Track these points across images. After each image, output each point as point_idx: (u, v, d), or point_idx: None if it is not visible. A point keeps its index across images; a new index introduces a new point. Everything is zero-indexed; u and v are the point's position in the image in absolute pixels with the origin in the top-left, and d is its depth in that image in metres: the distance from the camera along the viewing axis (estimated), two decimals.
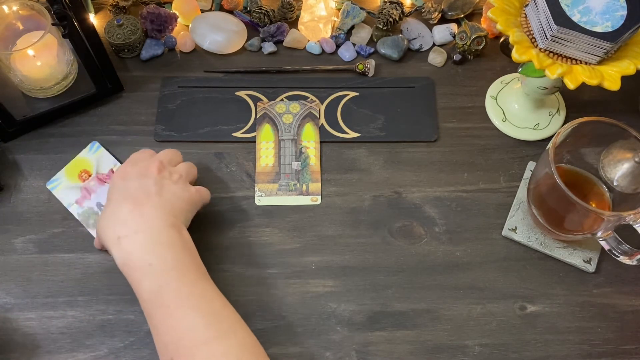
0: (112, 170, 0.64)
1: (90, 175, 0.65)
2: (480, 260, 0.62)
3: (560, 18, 0.56)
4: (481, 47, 0.73)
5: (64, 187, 0.65)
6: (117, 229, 0.52)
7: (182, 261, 0.51)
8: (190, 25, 0.75)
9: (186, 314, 0.48)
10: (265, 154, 0.68)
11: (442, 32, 0.75)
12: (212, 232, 0.63)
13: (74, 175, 0.65)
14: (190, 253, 0.53)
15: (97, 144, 0.66)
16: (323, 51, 0.75)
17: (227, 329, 0.49)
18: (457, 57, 0.74)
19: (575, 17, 0.56)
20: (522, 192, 0.65)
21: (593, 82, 0.56)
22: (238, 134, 0.69)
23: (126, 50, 0.73)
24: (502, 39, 0.76)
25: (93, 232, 0.62)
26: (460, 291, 0.60)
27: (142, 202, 0.53)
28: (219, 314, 0.49)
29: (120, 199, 0.54)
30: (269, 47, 0.75)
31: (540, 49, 0.59)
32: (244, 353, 0.48)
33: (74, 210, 0.63)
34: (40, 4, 0.66)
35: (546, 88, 0.64)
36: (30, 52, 0.65)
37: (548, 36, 0.57)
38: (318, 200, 0.65)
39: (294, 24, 0.77)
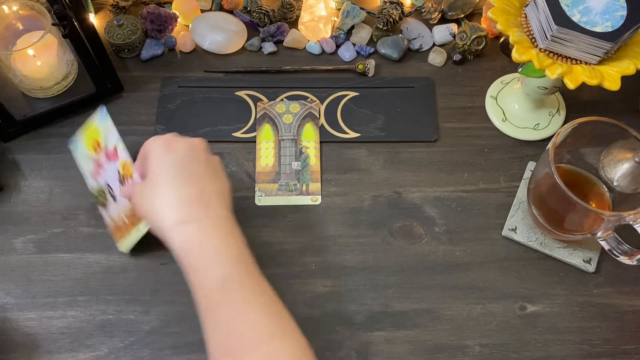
0: (115, 149, 0.58)
1: (100, 148, 0.60)
2: (480, 260, 0.62)
3: (560, 18, 0.56)
4: (481, 47, 0.73)
5: (81, 153, 0.61)
6: (180, 212, 0.48)
7: (246, 254, 0.49)
8: (190, 25, 0.75)
9: (251, 309, 0.46)
10: (265, 154, 0.68)
11: (442, 32, 0.75)
12: None
13: (89, 143, 0.61)
14: (247, 246, 0.50)
15: (105, 110, 0.60)
16: (323, 51, 0.75)
17: (287, 329, 0.47)
18: (457, 57, 0.74)
19: (575, 17, 0.56)
20: (522, 192, 0.65)
21: (593, 82, 0.56)
22: (238, 134, 0.69)
23: (126, 50, 0.73)
24: (502, 39, 0.76)
25: (103, 211, 0.59)
26: (460, 291, 0.60)
27: (203, 185, 0.50)
28: (280, 314, 0.47)
29: (175, 176, 0.50)
30: (269, 47, 0.75)
31: (540, 49, 0.59)
32: (303, 354, 0.46)
33: (90, 184, 0.60)
34: (40, 4, 0.66)
35: (546, 88, 0.64)
36: (30, 52, 0.65)
37: (548, 36, 0.57)
38: (318, 200, 0.65)
39: (294, 24, 0.77)
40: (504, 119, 0.70)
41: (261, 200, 0.65)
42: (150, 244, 0.62)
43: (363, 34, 0.76)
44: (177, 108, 0.70)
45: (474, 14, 0.78)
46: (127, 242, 0.59)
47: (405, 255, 0.62)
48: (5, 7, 0.66)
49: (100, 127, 0.60)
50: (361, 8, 0.76)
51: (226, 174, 0.55)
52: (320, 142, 0.69)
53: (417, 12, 0.77)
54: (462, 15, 0.77)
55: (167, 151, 0.51)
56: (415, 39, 0.76)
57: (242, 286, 0.47)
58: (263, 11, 0.75)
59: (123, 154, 0.58)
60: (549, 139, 0.68)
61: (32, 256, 0.61)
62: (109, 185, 0.59)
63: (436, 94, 0.72)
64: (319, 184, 0.66)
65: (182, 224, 0.48)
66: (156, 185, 0.50)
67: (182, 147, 0.52)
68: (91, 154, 0.60)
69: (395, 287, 0.60)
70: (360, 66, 0.73)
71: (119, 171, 0.58)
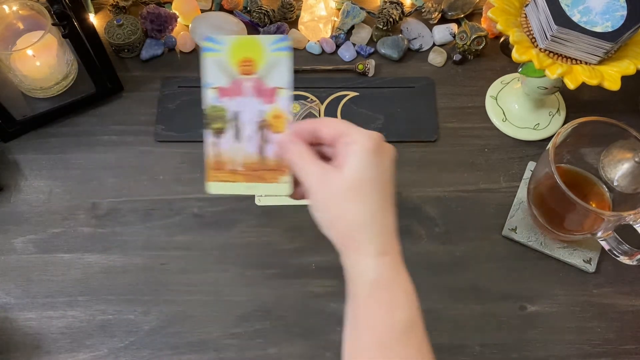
0: (275, 90, 0.46)
1: (251, 71, 0.47)
2: (480, 260, 0.62)
3: (560, 18, 0.56)
4: (481, 47, 0.73)
5: (218, 61, 0.47)
6: (381, 243, 0.42)
7: (415, 296, 0.43)
8: (190, 25, 0.75)
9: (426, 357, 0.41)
10: None
11: (442, 32, 0.75)
12: (212, 232, 0.63)
13: (237, 55, 0.47)
14: None
15: (287, 42, 0.45)
16: (323, 51, 0.75)
17: None
18: (457, 57, 0.74)
19: (575, 17, 0.56)
20: (522, 192, 0.65)
21: (593, 82, 0.56)
22: None
23: (126, 50, 0.73)
24: (502, 39, 0.76)
25: (210, 136, 0.47)
26: (460, 291, 0.60)
27: (394, 213, 0.43)
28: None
29: (380, 196, 0.42)
30: None
31: (540, 49, 0.59)
32: None
33: (209, 98, 0.47)
34: (40, 4, 0.66)
35: (546, 88, 0.64)
36: (30, 52, 0.65)
37: (548, 36, 0.57)
38: None
39: (294, 24, 0.77)
40: (504, 119, 0.70)
41: (261, 200, 0.65)
42: (151, 244, 0.62)
43: (363, 34, 0.76)
44: (177, 108, 0.70)
45: (474, 14, 0.78)
46: (223, 188, 0.48)
47: (405, 255, 0.62)
48: (5, 7, 0.66)
49: (267, 51, 0.46)
50: (361, 8, 0.76)
51: None
52: None
53: (417, 12, 0.77)
54: (462, 15, 0.77)
55: (380, 157, 0.42)
56: (415, 39, 0.76)
57: (423, 333, 0.42)
58: (263, 11, 0.75)
59: (284, 104, 0.46)
60: (549, 139, 0.68)
61: (32, 256, 0.61)
62: (236, 116, 0.47)
63: (436, 94, 0.72)
64: None
65: (381, 255, 0.42)
66: (361, 196, 0.42)
67: (388, 157, 0.43)
68: (233, 70, 0.47)
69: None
70: (360, 66, 0.73)
71: (264, 115, 0.46)
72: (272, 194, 0.49)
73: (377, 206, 0.42)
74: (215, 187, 0.48)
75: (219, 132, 0.47)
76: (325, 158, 0.44)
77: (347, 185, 0.42)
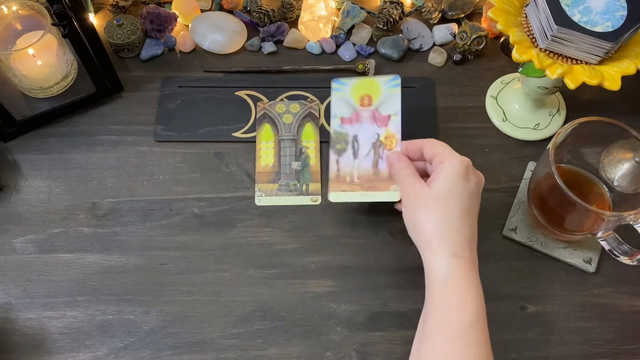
0: (390, 117, 0.59)
1: (370, 104, 0.60)
2: (480, 260, 0.62)
3: (561, 18, 0.56)
4: (481, 47, 0.73)
5: (342, 97, 0.61)
6: (454, 245, 0.49)
7: (483, 300, 0.49)
8: (190, 25, 0.75)
9: (476, 344, 0.47)
10: (265, 154, 0.68)
11: (442, 32, 0.75)
12: (212, 232, 0.63)
13: (357, 92, 0.61)
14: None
15: (399, 80, 0.60)
16: (323, 51, 0.75)
17: None
18: (457, 57, 0.74)
19: (576, 17, 0.56)
20: (522, 192, 0.65)
21: (593, 82, 0.56)
22: (238, 134, 0.69)
23: (126, 50, 0.73)
24: (502, 39, 0.76)
25: (333, 155, 0.60)
26: None
27: (472, 229, 0.51)
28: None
29: (467, 209, 0.51)
30: (269, 47, 0.75)
31: (540, 49, 0.59)
32: None
33: (334, 125, 0.60)
34: (40, 4, 0.66)
35: (546, 88, 0.64)
36: (30, 51, 0.65)
37: (548, 36, 0.57)
38: (318, 200, 0.65)
39: (294, 23, 0.77)
40: (504, 119, 0.70)
41: (261, 200, 0.65)
42: (151, 244, 0.62)
43: (363, 34, 0.76)
44: (177, 108, 0.70)
45: (474, 14, 0.78)
46: (341, 196, 0.59)
47: (405, 255, 0.62)
48: (4, 7, 0.66)
49: (383, 88, 0.60)
50: (361, 8, 0.76)
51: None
52: (320, 142, 0.69)
53: (417, 12, 0.77)
54: (462, 15, 0.77)
55: (466, 179, 0.51)
56: (415, 38, 0.76)
57: (484, 333, 0.48)
58: (263, 11, 0.75)
59: (395, 127, 0.59)
60: (549, 139, 0.68)
61: (31, 256, 0.61)
62: (355, 139, 0.60)
63: (436, 94, 0.72)
64: (319, 184, 0.66)
65: (452, 257, 0.49)
66: (442, 207, 0.51)
67: (475, 182, 0.52)
68: (355, 104, 0.60)
69: (395, 287, 0.60)
70: (360, 66, 0.73)
71: (378, 136, 0.59)
72: (383, 200, 0.58)
73: (454, 218, 0.50)
74: (335, 196, 0.59)
75: (341, 151, 0.60)
76: (428, 175, 0.55)
77: (432, 197, 0.51)
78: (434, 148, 0.54)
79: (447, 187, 0.51)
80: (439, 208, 0.51)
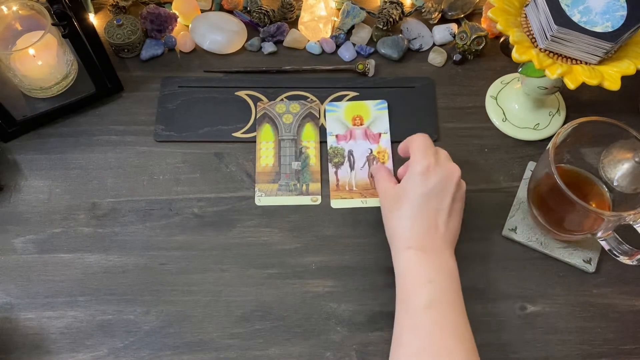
0: (380, 135, 0.68)
1: (362, 124, 0.69)
2: (480, 260, 0.62)
3: (560, 18, 0.56)
4: (481, 47, 0.73)
5: (336, 118, 0.69)
6: (410, 239, 0.55)
7: (455, 290, 0.53)
8: (190, 25, 0.75)
9: (449, 338, 0.50)
10: (265, 154, 0.68)
11: (442, 32, 0.75)
12: (212, 232, 0.63)
13: (349, 114, 0.70)
14: (459, 284, 0.54)
15: (385, 104, 0.70)
16: (323, 51, 0.75)
17: None
18: (457, 57, 0.74)
19: (575, 17, 0.56)
20: (522, 192, 0.65)
21: (593, 82, 0.56)
22: (238, 134, 0.69)
23: (126, 50, 0.73)
24: (502, 39, 0.76)
25: (332, 168, 0.67)
26: None
27: (436, 224, 0.55)
28: (474, 354, 0.50)
29: (419, 207, 0.55)
30: (269, 47, 0.75)
31: (540, 49, 0.59)
32: None
33: (330, 141, 0.68)
34: (40, 4, 0.66)
35: (546, 88, 0.64)
36: (30, 52, 0.65)
37: (548, 36, 0.57)
38: (318, 200, 0.65)
39: (294, 24, 0.77)
40: (504, 119, 0.70)
41: (261, 200, 0.65)
42: (151, 244, 0.62)
43: (363, 34, 0.76)
44: (177, 108, 0.70)
45: (474, 14, 0.78)
46: (342, 203, 0.65)
47: None
48: (4, 8, 0.66)
49: (372, 111, 0.70)
50: (361, 8, 0.76)
51: (461, 212, 0.58)
52: (320, 142, 0.69)
53: (417, 12, 0.77)
54: (462, 15, 0.77)
55: (424, 179, 0.56)
56: (415, 39, 0.76)
57: (444, 316, 0.51)
58: (263, 11, 0.75)
59: (385, 143, 0.68)
60: (549, 139, 0.68)
61: (32, 256, 0.61)
62: (351, 153, 0.67)
63: (436, 94, 0.72)
64: (319, 184, 0.66)
65: (409, 249, 0.54)
66: (402, 206, 0.56)
67: (436, 180, 0.56)
68: (348, 123, 0.69)
69: (395, 287, 0.60)
70: (360, 66, 0.73)
71: (371, 151, 0.68)
72: (380, 204, 0.62)
73: (414, 217, 0.55)
74: (336, 203, 0.65)
75: (338, 164, 0.67)
76: None
77: (392, 197, 0.57)
78: (410, 148, 0.59)
79: (404, 187, 0.57)
80: (398, 206, 0.56)
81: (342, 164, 0.67)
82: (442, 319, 0.51)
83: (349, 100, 0.71)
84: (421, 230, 0.55)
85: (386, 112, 0.70)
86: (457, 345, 0.49)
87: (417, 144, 0.58)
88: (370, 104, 0.70)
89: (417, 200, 0.55)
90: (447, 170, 0.57)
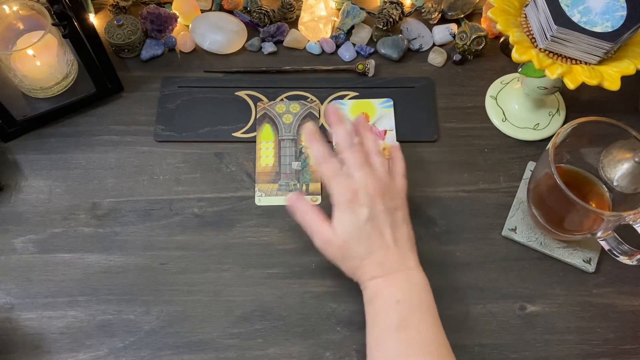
0: (385, 132, 0.68)
1: (367, 121, 0.69)
2: (480, 260, 0.62)
3: (560, 18, 0.56)
4: (481, 47, 0.73)
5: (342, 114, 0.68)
6: (371, 271, 0.53)
7: (425, 304, 0.52)
8: (190, 25, 0.75)
9: (421, 357, 0.49)
10: (265, 154, 0.68)
11: (442, 32, 0.75)
12: (212, 232, 0.63)
13: (355, 111, 0.70)
14: (430, 294, 0.53)
15: (391, 102, 0.70)
16: (323, 51, 0.75)
17: None
18: (457, 57, 0.74)
19: (575, 17, 0.56)
20: (522, 192, 0.65)
21: (593, 82, 0.56)
22: (238, 134, 0.69)
23: (126, 50, 0.73)
24: (502, 39, 0.76)
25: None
26: (460, 291, 0.60)
27: (386, 245, 0.54)
28: None
29: (363, 238, 0.53)
30: (269, 47, 0.75)
31: (540, 49, 0.59)
32: None
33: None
34: (40, 4, 0.66)
35: (546, 88, 0.64)
36: (30, 52, 0.65)
37: (548, 36, 0.57)
38: (318, 200, 0.65)
39: (294, 24, 0.77)
40: (504, 119, 0.70)
41: (261, 200, 0.65)
42: (151, 244, 0.62)
43: (363, 34, 0.76)
44: (177, 108, 0.70)
45: (474, 14, 0.78)
46: None
47: None
48: (5, 7, 0.66)
49: (377, 109, 0.70)
50: (361, 8, 0.76)
51: (405, 216, 0.56)
52: None
53: (417, 12, 0.77)
54: (462, 15, 0.77)
55: (353, 211, 0.54)
56: (415, 39, 0.76)
57: (417, 333, 0.50)
58: (263, 11, 0.75)
59: (391, 140, 0.68)
60: (549, 139, 0.68)
61: (32, 256, 0.61)
62: None
63: (436, 94, 0.72)
64: (319, 184, 0.66)
65: (372, 279, 0.53)
66: (349, 251, 0.54)
67: (364, 204, 0.54)
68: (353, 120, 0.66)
69: None
70: (360, 66, 0.73)
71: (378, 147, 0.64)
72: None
73: (359, 252, 0.53)
74: None
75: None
76: None
77: (337, 246, 0.54)
78: (322, 178, 0.57)
79: (340, 229, 0.54)
80: (344, 254, 0.54)
81: None
82: (413, 338, 0.50)
83: (350, 99, 0.71)
84: (375, 258, 0.53)
85: (392, 110, 0.70)
86: None
87: (324, 171, 0.56)
88: (375, 102, 0.70)
89: (358, 235, 0.53)
90: (368, 189, 0.54)
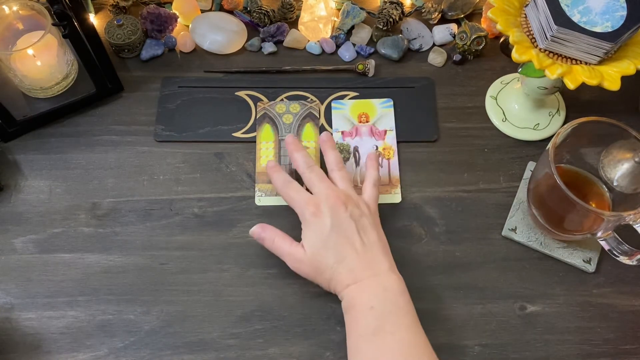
0: (386, 132, 0.68)
1: (368, 121, 0.69)
2: (480, 260, 0.62)
3: (560, 18, 0.56)
4: (481, 47, 0.73)
5: (342, 114, 0.70)
6: (344, 280, 0.54)
7: (400, 308, 0.52)
8: (190, 25, 0.75)
9: (397, 358, 0.50)
10: (265, 154, 0.68)
11: (442, 32, 0.75)
12: (212, 232, 0.63)
13: (355, 111, 0.70)
14: (405, 296, 0.53)
15: (391, 102, 0.70)
16: (323, 51, 0.75)
17: None
18: (457, 57, 0.74)
19: (575, 17, 0.56)
20: (522, 192, 0.65)
21: (593, 82, 0.56)
22: (238, 134, 0.69)
23: (126, 50, 0.73)
24: (502, 39, 0.76)
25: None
26: (460, 291, 0.60)
27: (355, 251, 0.54)
28: None
29: (330, 248, 0.54)
30: (269, 47, 0.75)
31: (540, 49, 0.59)
32: None
33: (336, 138, 0.68)
34: (40, 4, 0.66)
35: (546, 88, 0.64)
36: (30, 52, 0.65)
37: (548, 36, 0.57)
38: None
39: (294, 24, 0.77)
40: (504, 119, 0.70)
41: (261, 200, 0.65)
42: (151, 244, 0.62)
43: (363, 34, 0.76)
44: (177, 108, 0.70)
45: (474, 14, 0.78)
46: None
47: (405, 255, 0.62)
48: (5, 7, 0.66)
49: (378, 109, 0.70)
50: (361, 8, 0.76)
51: (373, 222, 0.57)
52: None
53: (417, 12, 0.77)
54: (462, 15, 0.77)
55: (318, 222, 0.55)
56: (415, 39, 0.76)
57: (392, 337, 0.50)
58: (263, 11, 0.75)
59: (391, 140, 0.68)
60: (549, 139, 0.68)
61: (32, 256, 0.61)
62: (356, 150, 0.68)
63: (436, 94, 0.72)
64: None
65: (347, 287, 0.54)
66: (320, 265, 0.55)
67: (327, 214, 0.55)
68: (354, 120, 0.69)
69: None
70: (360, 66, 0.73)
71: (377, 147, 0.68)
72: (387, 201, 0.65)
73: (330, 263, 0.54)
74: None
75: (343, 160, 0.66)
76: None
77: (308, 264, 0.55)
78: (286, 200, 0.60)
79: (308, 245, 0.55)
80: (316, 270, 0.55)
81: (348, 159, 0.67)
82: (389, 343, 0.50)
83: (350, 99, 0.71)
84: (345, 265, 0.54)
85: (392, 110, 0.70)
86: None
87: (288, 194, 0.58)
88: (376, 102, 0.70)
89: (325, 244, 0.54)
90: (329, 200, 0.56)
